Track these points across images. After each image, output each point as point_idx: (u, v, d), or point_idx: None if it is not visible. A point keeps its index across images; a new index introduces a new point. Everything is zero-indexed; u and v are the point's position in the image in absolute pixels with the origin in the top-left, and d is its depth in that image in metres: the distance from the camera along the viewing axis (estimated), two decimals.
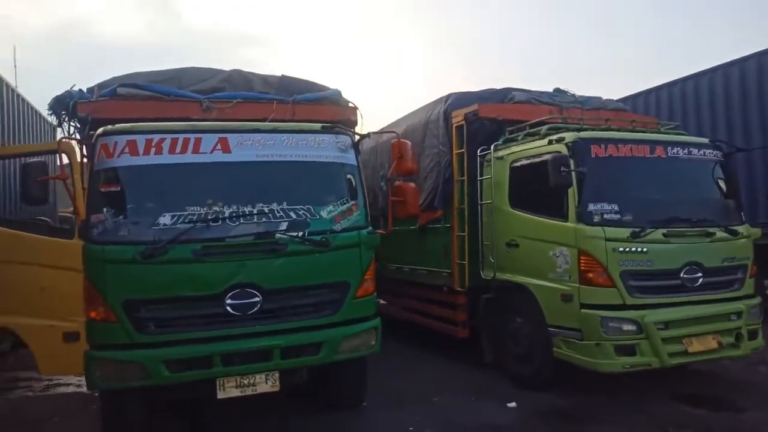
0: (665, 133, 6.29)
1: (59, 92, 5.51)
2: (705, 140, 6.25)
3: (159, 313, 4.30)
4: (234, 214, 4.46)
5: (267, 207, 4.54)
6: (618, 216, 5.39)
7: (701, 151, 5.93)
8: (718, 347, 5.40)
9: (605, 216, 5.36)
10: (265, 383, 4.49)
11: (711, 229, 5.60)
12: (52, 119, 6.16)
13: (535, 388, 5.81)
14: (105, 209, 4.34)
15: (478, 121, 6.63)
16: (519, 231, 6.04)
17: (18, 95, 9.03)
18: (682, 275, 5.41)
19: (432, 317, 7.62)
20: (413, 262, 7.85)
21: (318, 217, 4.69)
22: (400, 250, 8.08)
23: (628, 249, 5.27)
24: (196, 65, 6.33)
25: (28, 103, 9.46)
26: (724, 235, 5.65)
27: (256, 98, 5.79)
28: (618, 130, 5.99)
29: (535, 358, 5.86)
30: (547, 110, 6.70)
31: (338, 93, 6.11)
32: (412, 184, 5.49)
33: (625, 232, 5.30)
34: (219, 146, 4.55)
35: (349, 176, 4.94)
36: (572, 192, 5.38)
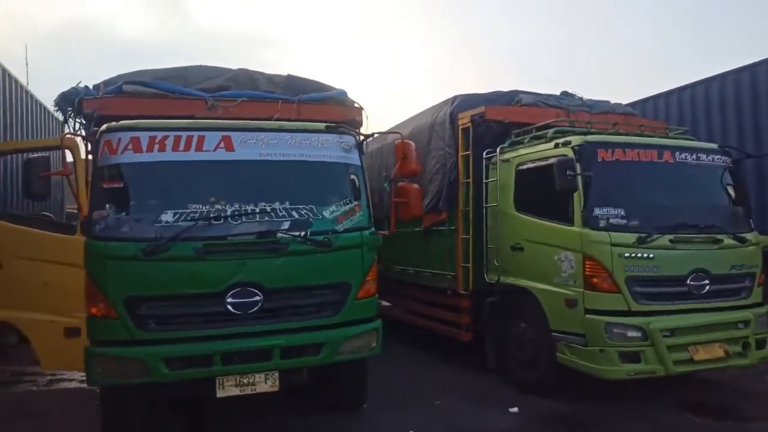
0: (674, 138, 6.23)
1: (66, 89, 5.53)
2: (714, 146, 6.19)
3: (160, 310, 4.29)
4: (236, 213, 4.45)
5: (269, 206, 4.52)
6: (624, 221, 5.34)
7: (710, 157, 5.86)
8: (725, 356, 5.33)
9: (611, 221, 5.30)
10: (265, 383, 4.46)
11: (719, 236, 5.53)
12: (59, 115, 6.19)
13: (538, 394, 5.75)
14: (107, 205, 4.34)
15: (485, 124, 6.59)
16: (524, 234, 5.99)
17: (27, 92, 9.10)
18: (688, 282, 5.35)
19: (435, 320, 7.57)
20: (417, 264, 7.81)
21: (320, 217, 4.66)
22: (404, 251, 8.04)
23: (633, 254, 5.21)
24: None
25: (37, 100, 9.54)
26: (732, 242, 5.58)
27: (261, 97, 5.78)
28: (626, 135, 5.93)
29: (538, 363, 5.81)
30: (554, 113, 6.65)
31: (344, 93, 6.09)
32: (416, 186, 5.46)
33: (631, 237, 5.24)
34: (222, 144, 4.54)
35: (352, 177, 4.92)
36: (578, 196, 5.34)
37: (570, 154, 5.41)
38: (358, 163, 4.95)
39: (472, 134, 6.64)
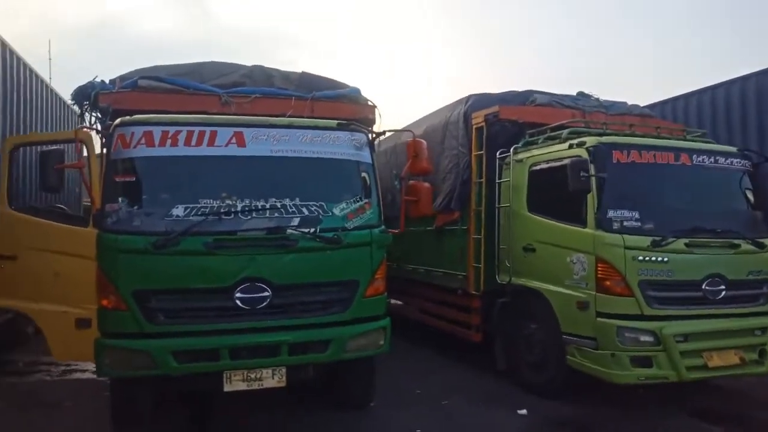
0: (691, 141, 6.13)
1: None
2: (733, 149, 6.07)
3: (169, 303, 4.33)
4: (246, 209, 4.48)
5: (279, 202, 4.54)
6: (639, 224, 5.26)
7: (728, 160, 5.75)
8: (741, 363, 5.23)
9: (625, 223, 5.23)
10: (272, 378, 4.48)
11: (736, 241, 5.42)
12: (77, 109, 6.27)
13: (547, 396, 5.69)
14: (120, 199, 4.38)
15: (499, 123, 6.53)
16: (536, 236, 5.93)
17: (47, 86, 9.25)
18: (704, 287, 5.25)
19: (446, 320, 7.55)
20: (429, 264, 7.79)
21: (330, 214, 4.66)
22: (416, 250, 8.03)
23: (648, 258, 5.13)
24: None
25: (57, 95, 9.69)
26: (750, 247, 5.47)
27: (274, 94, 5.80)
28: (642, 136, 5.84)
29: (548, 366, 5.75)
30: (569, 114, 6.58)
31: (357, 91, 6.09)
32: (426, 184, 5.45)
33: (645, 240, 5.16)
34: (234, 140, 4.56)
35: (363, 174, 4.91)
36: (591, 197, 5.26)
37: (584, 155, 5.34)
38: (369, 161, 4.95)
39: (485, 134, 6.59)
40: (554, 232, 5.71)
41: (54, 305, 5.16)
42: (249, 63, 6.40)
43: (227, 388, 4.41)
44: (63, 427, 5.07)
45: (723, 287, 5.29)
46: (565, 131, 5.90)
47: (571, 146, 5.55)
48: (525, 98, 7.03)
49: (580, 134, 5.72)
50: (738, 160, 5.81)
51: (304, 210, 4.59)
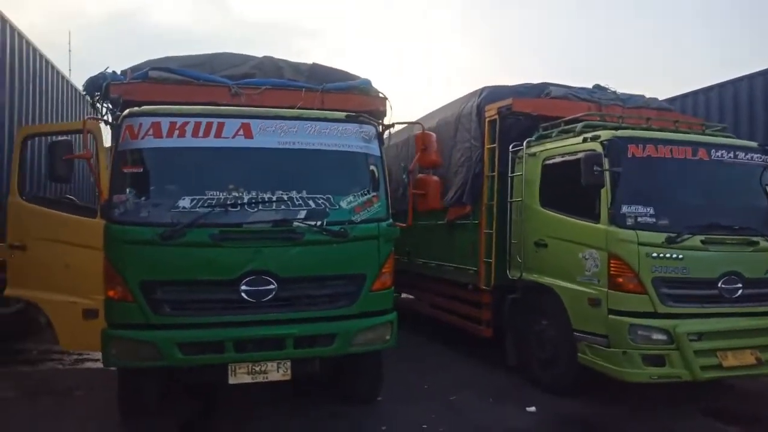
0: (710, 135, 5.97)
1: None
2: (753, 144, 5.90)
3: (175, 295, 4.33)
4: (253, 201, 4.45)
5: (286, 194, 4.51)
6: (653, 220, 5.14)
7: (748, 156, 5.59)
8: (757, 363, 5.10)
9: (639, 219, 5.11)
10: (277, 371, 4.47)
11: (754, 238, 5.28)
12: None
13: (557, 394, 5.62)
14: (127, 190, 4.39)
15: (512, 116, 6.43)
16: (548, 231, 5.83)
17: (63, 77, 9.33)
18: (719, 285, 5.13)
19: (456, 314, 7.49)
20: (440, 258, 7.72)
21: (337, 207, 4.62)
22: (427, 244, 7.97)
23: (662, 255, 5.02)
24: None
25: (73, 86, 9.78)
26: None
27: (285, 85, 5.77)
28: (659, 130, 5.71)
29: (558, 363, 5.67)
30: (584, 107, 6.45)
31: (368, 82, 6.03)
32: (435, 178, 5.37)
33: (659, 236, 5.05)
34: (241, 131, 4.53)
35: (371, 167, 4.86)
36: (605, 192, 5.16)
37: (598, 149, 5.22)
38: (378, 154, 4.89)
39: (498, 127, 6.50)
40: (566, 228, 5.61)
41: (62, 295, 5.20)
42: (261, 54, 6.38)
43: (232, 380, 4.41)
44: (74, 416, 5.12)
45: (740, 285, 5.16)
46: (580, 125, 5.78)
47: (585, 140, 5.43)
48: (540, 91, 6.90)
49: (594, 128, 5.60)
50: (759, 155, 5.64)
51: (311, 203, 4.55)
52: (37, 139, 6.65)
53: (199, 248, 4.30)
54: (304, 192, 4.56)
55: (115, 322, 4.31)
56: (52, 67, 8.73)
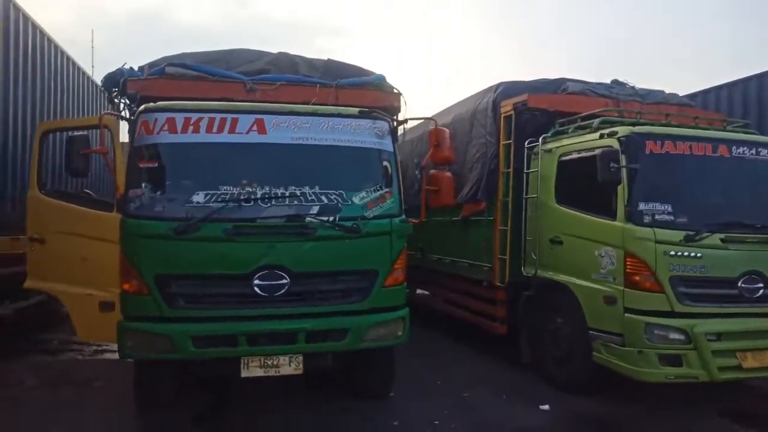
0: (731, 132, 5.85)
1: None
2: None
3: (189, 289, 4.38)
4: (266, 196, 4.47)
5: (299, 190, 4.52)
6: (671, 217, 5.06)
7: None
8: None
9: (657, 217, 5.04)
10: (289, 365, 4.49)
11: None
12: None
13: (571, 392, 5.57)
14: (143, 184, 4.44)
15: (528, 112, 6.37)
16: (564, 228, 5.77)
17: (84, 74, 9.48)
18: (740, 285, 5.04)
19: (471, 311, 7.45)
20: (455, 254, 7.69)
21: (350, 202, 4.63)
22: (442, 241, 7.94)
23: (680, 253, 4.94)
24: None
25: (94, 82, 9.94)
26: None
27: (299, 81, 5.77)
28: (678, 126, 5.60)
29: (573, 361, 5.61)
30: (602, 102, 6.37)
31: (382, 78, 6.00)
32: (448, 174, 5.34)
33: (678, 234, 4.97)
34: (255, 127, 4.55)
35: (384, 163, 4.85)
36: (622, 189, 5.08)
37: (615, 145, 5.15)
38: (391, 149, 4.88)
39: (514, 123, 6.43)
40: (582, 225, 5.54)
41: (80, 288, 5.29)
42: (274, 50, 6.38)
43: (244, 373, 4.45)
44: (93, 406, 5.21)
45: (761, 285, 5.06)
46: (597, 120, 5.71)
47: (602, 136, 5.36)
48: (557, 86, 6.82)
49: (612, 123, 5.52)
50: None
51: (324, 198, 4.56)
52: (57, 134, 6.75)
53: (212, 243, 4.34)
54: (317, 187, 4.56)
55: (130, 315, 4.38)
56: (73, 63, 8.87)
